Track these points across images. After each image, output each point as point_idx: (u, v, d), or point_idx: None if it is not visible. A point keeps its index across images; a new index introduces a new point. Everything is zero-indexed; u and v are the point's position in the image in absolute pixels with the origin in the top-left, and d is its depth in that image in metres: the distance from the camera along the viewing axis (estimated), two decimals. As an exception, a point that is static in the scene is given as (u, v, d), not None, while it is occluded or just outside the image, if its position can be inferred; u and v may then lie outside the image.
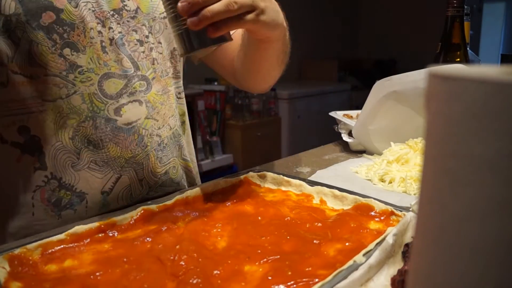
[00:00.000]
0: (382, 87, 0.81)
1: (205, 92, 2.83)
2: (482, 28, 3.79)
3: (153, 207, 0.58)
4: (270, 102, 3.10)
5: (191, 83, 2.79)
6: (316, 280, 0.40)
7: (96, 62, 0.63)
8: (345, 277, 0.39)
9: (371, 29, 4.42)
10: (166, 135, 0.71)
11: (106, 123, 0.63)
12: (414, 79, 0.76)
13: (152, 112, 0.68)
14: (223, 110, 2.90)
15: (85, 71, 0.62)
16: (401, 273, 0.39)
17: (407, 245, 0.45)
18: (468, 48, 0.91)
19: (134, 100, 0.66)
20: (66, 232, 0.49)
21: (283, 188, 0.67)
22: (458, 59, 0.87)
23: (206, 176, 2.68)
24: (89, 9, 0.62)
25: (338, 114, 1.03)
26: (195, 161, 0.85)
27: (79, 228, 0.51)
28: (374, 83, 0.83)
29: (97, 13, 0.63)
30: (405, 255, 0.44)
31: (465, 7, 0.88)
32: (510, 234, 0.14)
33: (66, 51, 0.61)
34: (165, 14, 0.67)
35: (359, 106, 0.94)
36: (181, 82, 0.79)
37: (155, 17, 0.70)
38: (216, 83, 2.99)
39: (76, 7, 0.61)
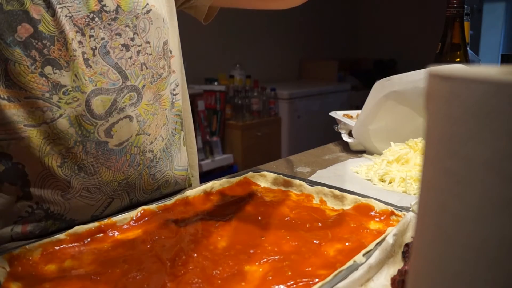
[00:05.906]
0: (382, 87, 0.81)
1: (205, 92, 2.83)
2: (482, 28, 3.80)
3: (153, 207, 0.58)
4: (270, 102, 3.11)
5: (191, 83, 2.79)
6: (316, 280, 0.40)
7: (81, 78, 0.55)
8: (345, 277, 0.39)
9: (371, 29, 4.42)
10: (158, 148, 0.65)
11: (97, 146, 0.58)
12: (414, 79, 0.76)
13: (143, 126, 0.62)
14: (223, 110, 2.90)
15: (70, 91, 0.55)
16: (401, 273, 0.39)
17: (407, 245, 0.45)
18: (468, 48, 0.91)
19: (125, 117, 0.60)
20: (66, 232, 0.50)
21: (283, 188, 0.66)
22: (458, 59, 0.87)
23: (206, 176, 2.68)
24: (66, 15, 0.54)
25: (338, 114, 1.03)
26: (196, 162, 0.81)
27: (79, 228, 0.51)
28: (374, 83, 0.83)
29: (75, 20, 0.55)
30: (405, 255, 0.44)
31: (465, 7, 0.88)
32: (510, 234, 0.14)
33: (48, 69, 0.53)
34: (148, 7, 0.62)
35: (359, 106, 0.94)
36: (178, 74, 0.71)
37: (138, 14, 0.61)
38: (216, 83, 2.99)
39: (53, 15, 0.53)
